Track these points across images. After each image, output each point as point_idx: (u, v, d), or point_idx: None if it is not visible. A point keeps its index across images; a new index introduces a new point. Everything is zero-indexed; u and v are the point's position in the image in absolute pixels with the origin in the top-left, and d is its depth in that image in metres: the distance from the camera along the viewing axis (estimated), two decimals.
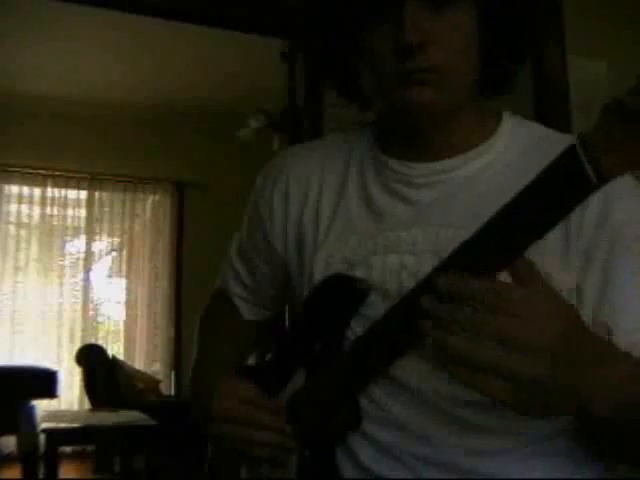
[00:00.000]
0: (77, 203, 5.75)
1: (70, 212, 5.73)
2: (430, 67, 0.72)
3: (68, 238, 5.74)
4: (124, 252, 5.85)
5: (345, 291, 0.78)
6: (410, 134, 0.81)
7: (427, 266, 0.64)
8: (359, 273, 0.78)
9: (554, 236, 0.73)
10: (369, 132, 0.89)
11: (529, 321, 0.53)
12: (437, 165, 0.80)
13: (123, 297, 5.82)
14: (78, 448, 4.97)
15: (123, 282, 5.84)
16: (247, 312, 1.00)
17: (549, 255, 0.72)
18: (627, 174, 0.74)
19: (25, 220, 5.63)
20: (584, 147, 0.48)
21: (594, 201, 0.73)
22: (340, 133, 0.94)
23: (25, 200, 5.62)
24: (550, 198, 0.49)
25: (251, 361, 1.09)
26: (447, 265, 0.59)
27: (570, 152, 0.49)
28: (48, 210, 5.64)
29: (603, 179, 0.48)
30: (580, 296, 0.73)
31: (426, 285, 0.59)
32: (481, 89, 0.81)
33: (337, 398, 0.76)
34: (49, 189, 5.62)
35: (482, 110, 0.84)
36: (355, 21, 0.75)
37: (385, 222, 0.81)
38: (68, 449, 4.88)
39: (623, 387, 0.59)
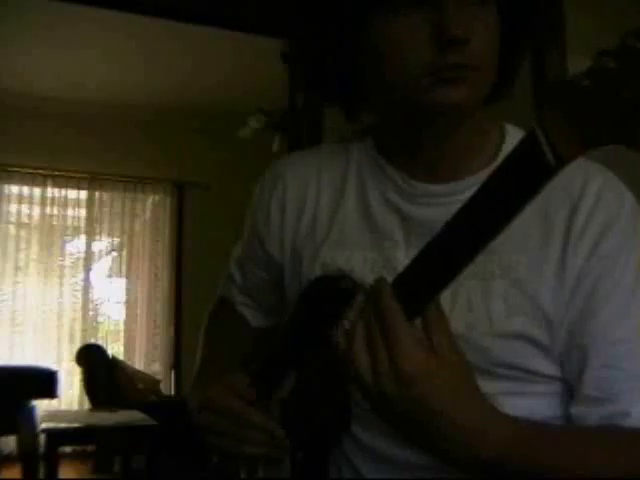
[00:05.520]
0: (77, 203, 5.75)
1: (70, 212, 5.73)
2: (471, 64, 0.67)
3: (68, 238, 5.73)
4: (124, 252, 5.85)
5: (331, 291, 0.78)
6: (413, 147, 0.78)
7: None
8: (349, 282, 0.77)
9: (553, 245, 0.72)
10: (369, 140, 0.86)
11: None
12: (438, 188, 0.77)
13: (123, 297, 5.82)
14: (78, 448, 4.96)
15: (123, 282, 5.84)
16: (253, 319, 1.00)
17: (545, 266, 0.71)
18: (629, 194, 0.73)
19: (25, 220, 5.63)
20: (542, 130, 0.47)
21: (598, 216, 0.72)
22: (337, 143, 0.91)
23: (25, 200, 5.61)
24: (512, 186, 0.49)
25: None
26: (420, 259, 0.58)
27: (529, 136, 0.48)
28: (48, 210, 5.63)
29: (562, 161, 0.46)
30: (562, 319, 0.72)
31: (400, 281, 0.59)
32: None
33: (326, 395, 0.76)
34: (49, 189, 5.61)
35: (485, 118, 0.79)
36: (371, 7, 0.69)
37: (382, 236, 0.79)
38: (68, 449, 4.87)
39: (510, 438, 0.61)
